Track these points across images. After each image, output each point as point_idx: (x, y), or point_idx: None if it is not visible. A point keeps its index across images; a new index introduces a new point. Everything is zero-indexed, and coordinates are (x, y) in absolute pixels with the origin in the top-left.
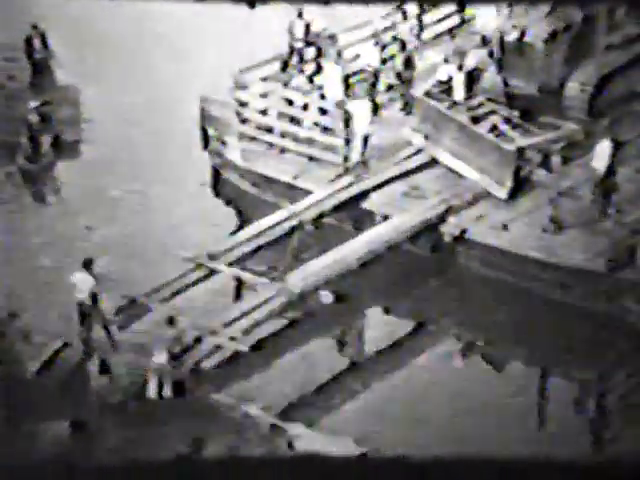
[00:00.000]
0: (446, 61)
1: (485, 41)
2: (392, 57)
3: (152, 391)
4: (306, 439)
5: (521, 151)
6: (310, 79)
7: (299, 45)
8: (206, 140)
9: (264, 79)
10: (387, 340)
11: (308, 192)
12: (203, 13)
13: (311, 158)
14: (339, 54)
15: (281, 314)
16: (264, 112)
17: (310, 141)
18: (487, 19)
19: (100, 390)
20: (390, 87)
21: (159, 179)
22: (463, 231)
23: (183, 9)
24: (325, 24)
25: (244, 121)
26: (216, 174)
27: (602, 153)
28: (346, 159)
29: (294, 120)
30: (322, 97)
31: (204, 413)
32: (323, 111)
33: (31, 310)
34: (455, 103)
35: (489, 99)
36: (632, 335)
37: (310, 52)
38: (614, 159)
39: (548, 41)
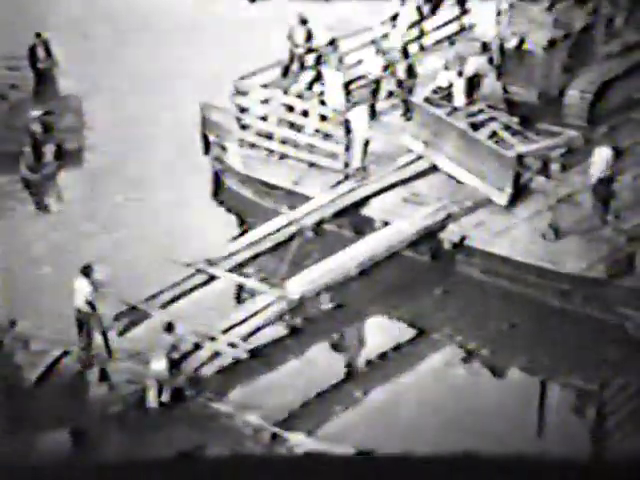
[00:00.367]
0: (446, 68)
1: (485, 48)
2: (393, 64)
3: (151, 398)
4: (306, 448)
5: (521, 158)
6: (310, 85)
7: (299, 51)
8: (207, 146)
9: (264, 85)
10: (387, 347)
11: (308, 198)
12: (205, 19)
13: (311, 164)
14: (340, 61)
15: (281, 320)
16: (264, 118)
17: (310, 147)
18: (487, 26)
19: (100, 399)
20: (390, 94)
21: (161, 186)
22: (463, 238)
23: (185, 16)
24: (329, 34)
25: (244, 127)
26: (216, 180)
27: (600, 160)
28: (346, 165)
29: (294, 126)
30: (322, 103)
31: (203, 421)
32: (323, 117)
33: (31, 318)
34: (455, 109)
35: (489, 106)
36: (631, 342)
37: (311, 58)
38: (613, 167)
39: (547, 49)
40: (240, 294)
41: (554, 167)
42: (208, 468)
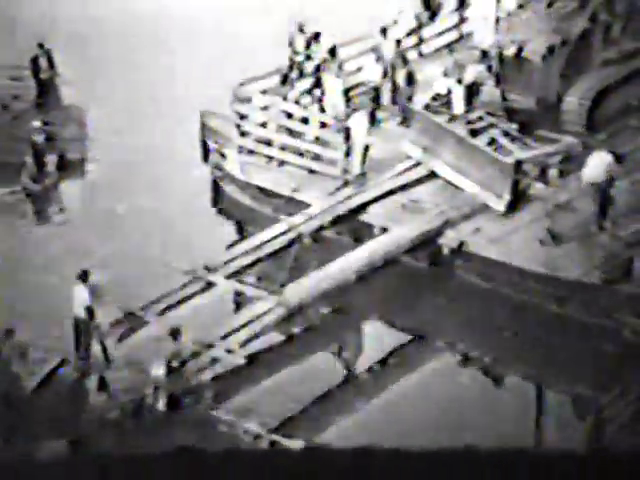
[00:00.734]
0: (445, 75)
1: (484, 56)
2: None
3: (149, 404)
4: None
5: (519, 164)
6: (310, 92)
7: (299, 59)
8: (206, 153)
9: (264, 92)
10: (385, 353)
11: (307, 205)
12: (207, 29)
13: (310, 171)
14: (340, 67)
15: (279, 327)
16: (264, 125)
17: (309, 154)
18: (485, 34)
19: (98, 407)
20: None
21: (162, 195)
22: (461, 244)
23: (187, 26)
24: (331, 40)
25: (244, 134)
26: (216, 187)
27: (594, 164)
28: (345, 172)
29: (294, 133)
30: (322, 110)
31: (201, 429)
32: (322, 124)
33: (30, 327)
34: (454, 116)
35: (488, 113)
36: (628, 348)
37: (310, 66)
38: (613, 172)
39: (546, 56)
40: (239, 301)
41: (552, 173)
42: (207, 462)
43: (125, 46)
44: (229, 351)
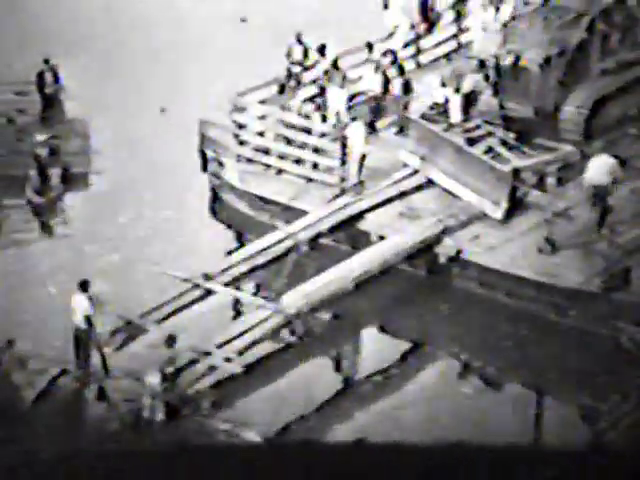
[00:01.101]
0: (443, 84)
1: (482, 65)
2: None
3: (146, 413)
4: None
5: (517, 172)
6: (313, 101)
7: (297, 69)
8: (205, 162)
9: (262, 102)
10: (383, 360)
11: (305, 213)
12: (210, 40)
13: (308, 179)
14: (344, 78)
15: (276, 335)
16: (262, 134)
17: (307, 163)
18: (485, 44)
19: (97, 417)
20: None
21: (164, 205)
22: (459, 252)
23: (190, 36)
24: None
25: (242, 143)
26: (214, 195)
27: (597, 166)
28: (343, 180)
29: (291, 142)
30: (323, 119)
31: (199, 439)
32: (322, 134)
33: (31, 337)
34: (451, 125)
35: (485, 121)
36: (626, 356)
37: (310, 75)
38: (615, 175)
39: (543, 65)
40: (237, 308)
41: (550, 181)
42: (205, 455)
43: (127, 55)
44: (227, 359)
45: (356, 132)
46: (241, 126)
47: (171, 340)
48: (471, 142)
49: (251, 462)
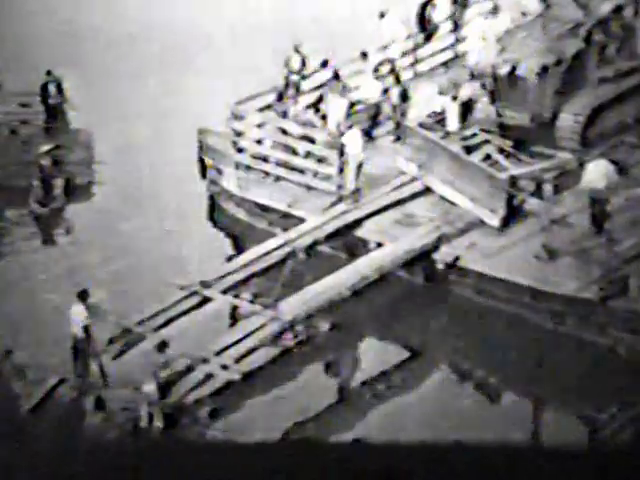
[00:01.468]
0: (441, 93)
1: (473, 76)
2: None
3: (143, 422)
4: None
5: (514, 180)
6: (317, 109)
7: (295, 78)
8: (203, 170)
9: (260, 110)
10: (380, 368)
11: (302, 220)
12: (212, 49)
13: (306, 187)
14: (344, 87)
15: (274, 342)
16: (260, 142)
17: (305, 170)
18: (482, 53)
19: (95, 427)
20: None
21: (166, 213)
22: (456, 259)
23: (192, 46)
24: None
25: (240, 150)
26: (212, 203)
27: (595, 171)
28: (340, 188)
29: (289, 149)
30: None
31: (197, 447)
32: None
33: (29, 346)
34: (449, 133)
35: (483, 129)
36: (623, 365)
37: (308, 84)
38: (612, 181)
39: (540, 74)
40: (234, 315)
41: (547, 189)
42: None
43: (128, 64)
44: (224, 367)
45: (353, 140)
46: (239, 134)
47: (163, 346)
48: (468, 150)
49: (251, 463)
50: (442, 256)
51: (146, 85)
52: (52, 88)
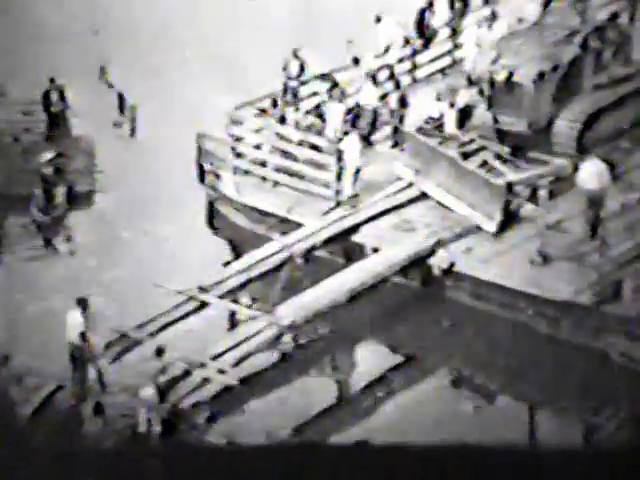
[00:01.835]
0: (438, 99)
1: (471, 82)
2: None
3: (141, 427)
4: None
5: (510, 186)
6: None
7: (293, 84)
8: (202, 175)
9: (258, 115)
10: (377, 372)
11: (300, 225)
12: (217, 59)
13: (304, 192)
14: (342, 93)
15: (271, 347)
16: (258, 147)
17: (303, 175)
18: (479, 60)
19: (94, 433)
20: (382, 123)
21: (169, 220)
22: (452, 264)
23: (195, 54)
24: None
25: (239, 155)
26: (211, 208)
27: (589, 171)
28: (338, 193)
29: (288, 155)
30: (319, 133)
31: (194, 452)
32: (315, 146)
33: (28, 352)
34: (446, 139)
35: (480, 135)
36: (615, 370)
37: (307, 90)
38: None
39: (536, 81)
40: (233, 320)
41: (543, 194)
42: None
43: (130, 71)
44: (221, 371)
45: (351, 145)
46: (238, 139)
47: (160, 351)
48: (465, 156)
49: (250, 467)
50: (438, 261)
51: (147, 90)
52: (54, 96)
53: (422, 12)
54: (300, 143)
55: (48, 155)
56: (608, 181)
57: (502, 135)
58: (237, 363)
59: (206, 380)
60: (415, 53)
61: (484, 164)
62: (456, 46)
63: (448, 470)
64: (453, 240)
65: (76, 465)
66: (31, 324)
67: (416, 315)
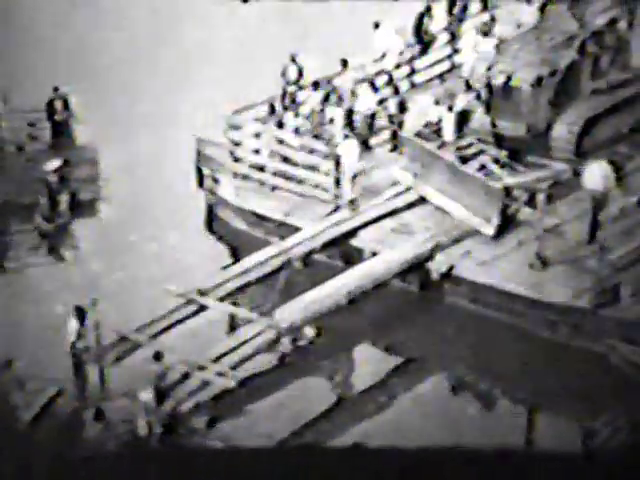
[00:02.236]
0: (437, 103)
1: (469, 87)
2: (385, 99)
3: (141, 431)
4: None
5: (508, 189)
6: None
7: (291, 88)
8: (201, 179)
9: (257, 120)
10: (376, 376)
11: (299, 229)
12: (211, 59)
13: (302, 196)
14: (341, 98)
15: (270, 349)
16: (257, 151)
17: (301, 180)
18: (476, 65)
19: (95, 437)
20: (381, 127)
21: (171, 226)
22: (450, 267)
23: (191, 56)
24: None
25: (237, 160)
26: (210, 212)
27: (594, 172)
28: (336, 197)
29: (286, 159)
30: (316, 137)
31: (194, 455)
32: (314, 151)
33: (31, 356)
34: (444, 143)
35: (478, 139)
36: (615, 373)
37: (305, 95)
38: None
39: (534, 85)
40: (231, 323)
41: (541, 198)
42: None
43: (129, 75)
44: (220, 374)
45: (350, 149)
46: (236, 143)
47: (158, 356)
48: (464, 160)
49: (250, 470)
50: (437, 265)
51: (148, 96)
52: (58, 105)
53: (420, 17)
54: (299, 147)
55: (53, 164)
56: (613, 183)
57: (500, 139)
58: (236, 366)
59: (205, 383)
60: (413, 58)
61: (482, 168)
62: (455, 51)
63: (446, 474)
64: (451, 244)
65: (77, 469)
66: (34, 329)
67: (414, 319)
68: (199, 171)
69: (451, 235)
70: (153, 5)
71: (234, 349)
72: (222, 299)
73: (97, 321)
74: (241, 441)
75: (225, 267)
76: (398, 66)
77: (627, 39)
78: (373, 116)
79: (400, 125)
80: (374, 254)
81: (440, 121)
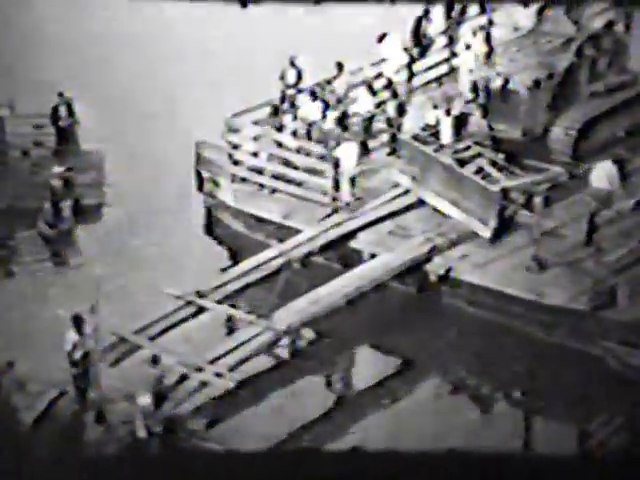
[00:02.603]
0: (435, 106)
1: (472, 88)
2: (383, 102)
3: (140, 434)
4: None
5: (505, 192)
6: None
7: (291, 92)
8: (200, 182)
9: (256, 122)
10: (374, 378)
11: (298, 231)
12: (208, 66)
13: (301, 198)
14: (339, 101)
15: (268, 351)
16: (255, 154)
17: (300, 182)
18: (473, 68)
19: (96, 440)
20: (380, 131)
21: (173, 230)
22: (448, 270)
23: (191, 58)
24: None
25: (236, 163)
26: (209, 215)
27: (599, 172)
28: (335, 200)
29: (285, 162)
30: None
31: (192, 458)
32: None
33: (32, 359)
34: (442, 146)
35: (476, 142)
36: (612, 376)
37: (303, 98)
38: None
39: (531, 88)
40: (231, 325)
41: (538, 201)
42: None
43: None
44: (218, 375)
45: (348, 152)
46: (235, 146)
47: (156, 360)
48: (461, 163)
49: (248, 473)
50: (435, 267)
51: (148, 100)
52: (63, 110)
53: (419, 20)
54: (298, 150)
55: (57, 169)
56: (617, 183)
57: (498, 142)
58: (234, 367)
59: (204, 384)
60: (412, 61)
61: (479, 171)
62: (453, 54)
63: (444, 477)
64: (449, 246)
65: (77, 471)
66: (36, 332)
67: (412, 321)
68: (198, 174)
69: (449, 238)
70: (154, 9)
71: (233, 351)
72: (221, 301)
73: (97, 325)
74: (239, 444)
75: (224, 269)
76: (397, 71)
77: (624, 42)
78: (371, 119)
79: (399, 128)
80: (373, 256)
81: (438, 124)
